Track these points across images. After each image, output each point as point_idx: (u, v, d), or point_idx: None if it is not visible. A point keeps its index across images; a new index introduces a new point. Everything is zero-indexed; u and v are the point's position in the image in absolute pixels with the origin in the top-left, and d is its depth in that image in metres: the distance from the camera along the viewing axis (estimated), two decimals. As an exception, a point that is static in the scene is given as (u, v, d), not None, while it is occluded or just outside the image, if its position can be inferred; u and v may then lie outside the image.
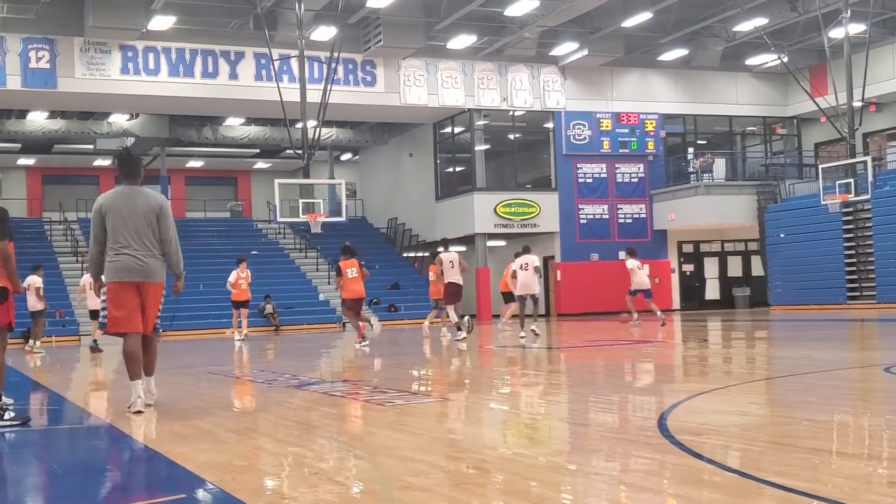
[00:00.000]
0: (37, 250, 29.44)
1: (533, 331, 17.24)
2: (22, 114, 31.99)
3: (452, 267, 17.32)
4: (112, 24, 25.89)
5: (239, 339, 21.46)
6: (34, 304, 19.68)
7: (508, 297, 21.31)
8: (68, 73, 26.48)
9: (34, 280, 19.66)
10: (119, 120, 33.07)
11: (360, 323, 16.52)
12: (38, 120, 32.44)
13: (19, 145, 36.37)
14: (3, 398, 8.43)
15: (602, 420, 6.98)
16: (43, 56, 26.27)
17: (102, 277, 7.64)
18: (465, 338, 16.59)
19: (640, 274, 21.00)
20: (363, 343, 15.92)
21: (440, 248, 18.20)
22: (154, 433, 6.68)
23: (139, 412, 7.31)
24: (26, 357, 17.91)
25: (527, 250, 17.70)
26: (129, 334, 7.40)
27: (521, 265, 17.40)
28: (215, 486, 4.59)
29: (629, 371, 11.13)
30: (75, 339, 26.18)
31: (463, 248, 33.53)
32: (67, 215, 35.25)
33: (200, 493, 4.59)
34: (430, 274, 21.74)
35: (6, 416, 7.06)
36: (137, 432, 6.70)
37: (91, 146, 37.15)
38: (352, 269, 16.34)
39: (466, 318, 18.22)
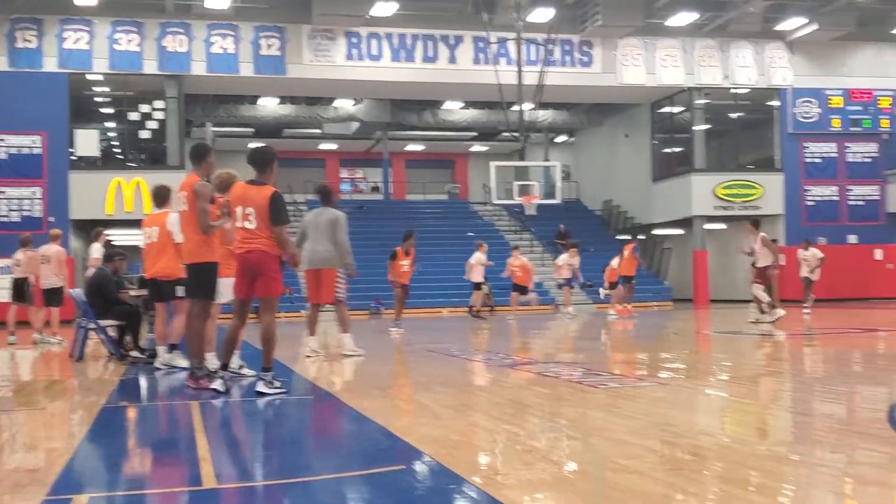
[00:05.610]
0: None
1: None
2: (253, 100, 33.64)
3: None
4: (338, 11, 26.84)
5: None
6: None
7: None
8: (297, 59, 27.69)
9: None
10: (344, 105, 34.36)
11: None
12: (269, 105, 34.08)
13: (252, 130, 38.37)
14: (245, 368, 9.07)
15: (828, 410, 6.65)
16: (273, 44, 27.58)
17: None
18: (778, 318, 16.41)
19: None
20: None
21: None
22: (377, 407, 6.95)
23: (308, 356, 11.22)
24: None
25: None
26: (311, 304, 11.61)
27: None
28: (433, 460, 4.74)
29: (859, 360, 10.54)
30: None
31: (681, 231, 32.73)
32: (296, 197, 37.03)
33: (418, 466, 4.75)
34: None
35: (276, 384, 7.65)
36: (361, 405, 7.00)
37: (318, 130, 38.85)
38: None
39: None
